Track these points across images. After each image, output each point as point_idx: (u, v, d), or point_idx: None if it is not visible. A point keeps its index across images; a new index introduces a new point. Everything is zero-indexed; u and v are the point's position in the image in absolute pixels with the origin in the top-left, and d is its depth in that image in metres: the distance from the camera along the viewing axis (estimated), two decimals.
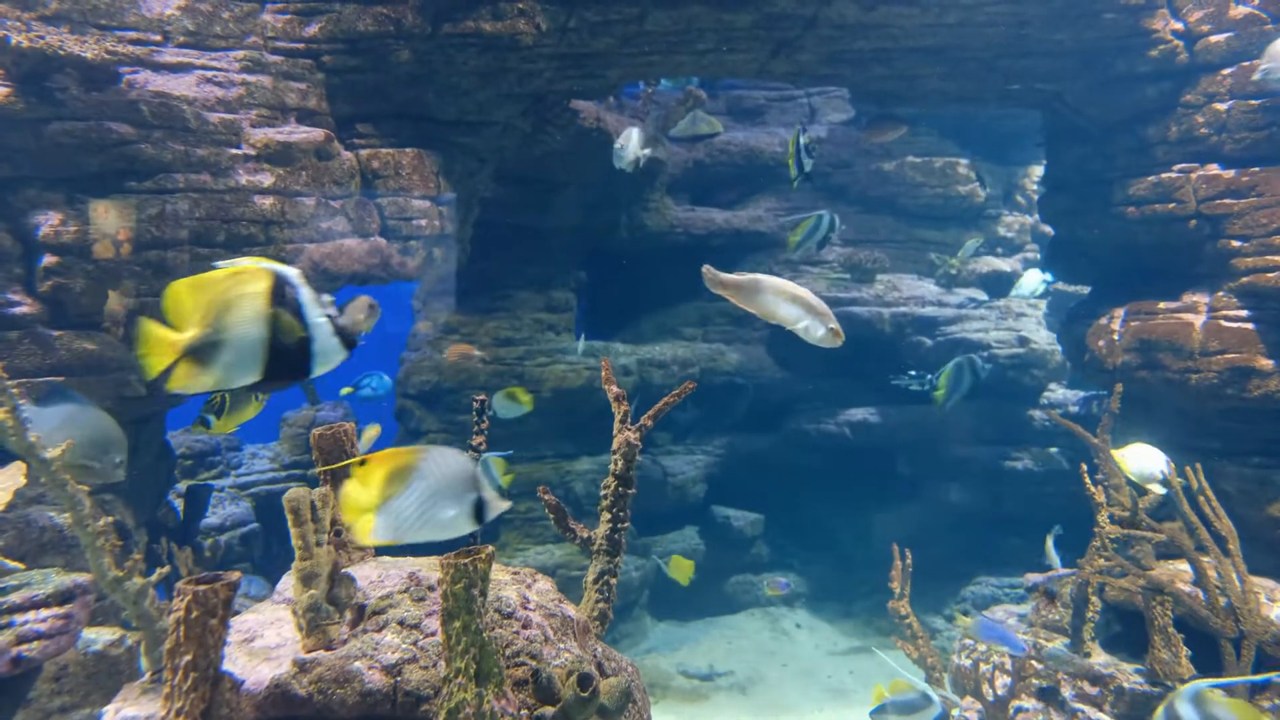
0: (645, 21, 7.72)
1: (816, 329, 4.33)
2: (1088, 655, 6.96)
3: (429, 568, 3.92)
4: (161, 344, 2.64)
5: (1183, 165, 7.93)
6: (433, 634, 3.43)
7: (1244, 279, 7.46)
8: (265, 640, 3.57)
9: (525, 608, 3.72)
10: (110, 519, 4.70)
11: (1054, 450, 11.65)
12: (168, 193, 6.57)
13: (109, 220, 6.41)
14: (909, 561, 7.51)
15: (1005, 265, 13.38)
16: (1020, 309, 12.89)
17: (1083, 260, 9.73)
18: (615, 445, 4.45)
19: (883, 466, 12.66)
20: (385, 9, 7.36)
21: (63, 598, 5.43)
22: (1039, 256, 13.55)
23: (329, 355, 2.75)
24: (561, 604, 4.00)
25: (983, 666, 7.19)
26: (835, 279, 13.09)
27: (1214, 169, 7.74)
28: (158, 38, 6.97)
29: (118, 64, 6.49)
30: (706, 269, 4.33)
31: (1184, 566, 6.76)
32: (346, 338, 2.77)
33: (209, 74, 7.05)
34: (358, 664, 3.29)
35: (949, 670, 7.82)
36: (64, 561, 6.10)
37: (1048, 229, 11.38)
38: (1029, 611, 7.93)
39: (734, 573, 12.62)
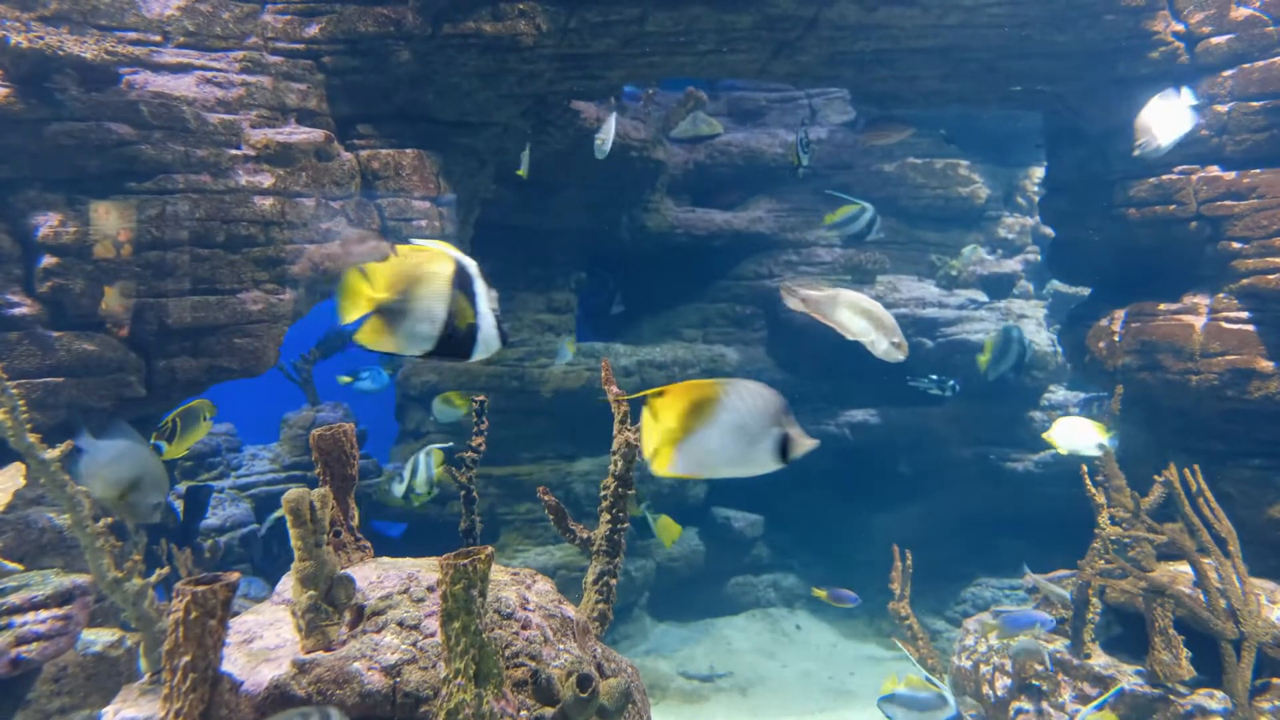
0: (646, 22, 7.71)
1: (881, 343, 4.40)
2: (1088, 657, 6.95)
3: (428, 568, 3.91)
4: (360, 295, 2.83)
5: (1183, 167, 7.92)
6: (432, 635, 3.43)
7: (1245, 280, 7.46)
8: (264, 641, 3.56)
9: (525, 608, 3.72)
10: (109, 520, 4.70)
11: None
12: (168, 193, 6.57)
13: (109, 221, 6.41)
14: (909, 563, 7.51)
15: (1005, 267, 13.38)
16: (1021, 310, 12.89)
17: (1083, 262, 9.72)
18: (615, 446, 4.45)
19: (883, 468, 12.65)
20: (386, 10, 7.36)
21: (62, 599, 5.43)
22: (1039, 258, 13.55)
23: (489, 344, 2.94)
24: (561, 605, 4.00)
25: (983, 668, 7.19)
26: (835, 280, 13.09)
27: (1215, 170, 7.73)
28: (157, 38, 6.97)
29: (117, 64, 6.49)
30: (784, 285, 4.44)
31: (1184, 568, 6.75)
32: (503, 333, 2.98)
33: (209, 74, 7.05)
34: (357, 665, 3.29)
35: (949, 672, 7.82)
36: (63, 563, 6.09)
37: (1048, 230, 11.37)
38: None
39: (734, 574, 12.62)
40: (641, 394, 3.02)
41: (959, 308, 12.65)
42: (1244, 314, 7.49)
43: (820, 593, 6.81)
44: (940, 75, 8.78)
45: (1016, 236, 13.77)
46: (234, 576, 2.98)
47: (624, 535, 4.53)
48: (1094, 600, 7.06)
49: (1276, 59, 7.38)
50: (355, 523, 4.37)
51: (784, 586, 12.76)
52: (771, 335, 13.43)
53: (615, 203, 12.43)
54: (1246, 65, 7.54)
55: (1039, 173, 13.41)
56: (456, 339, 2.91)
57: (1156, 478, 6.87)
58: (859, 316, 4.28)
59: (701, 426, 3.00)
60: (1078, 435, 7.08)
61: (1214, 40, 7.67)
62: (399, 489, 8.04)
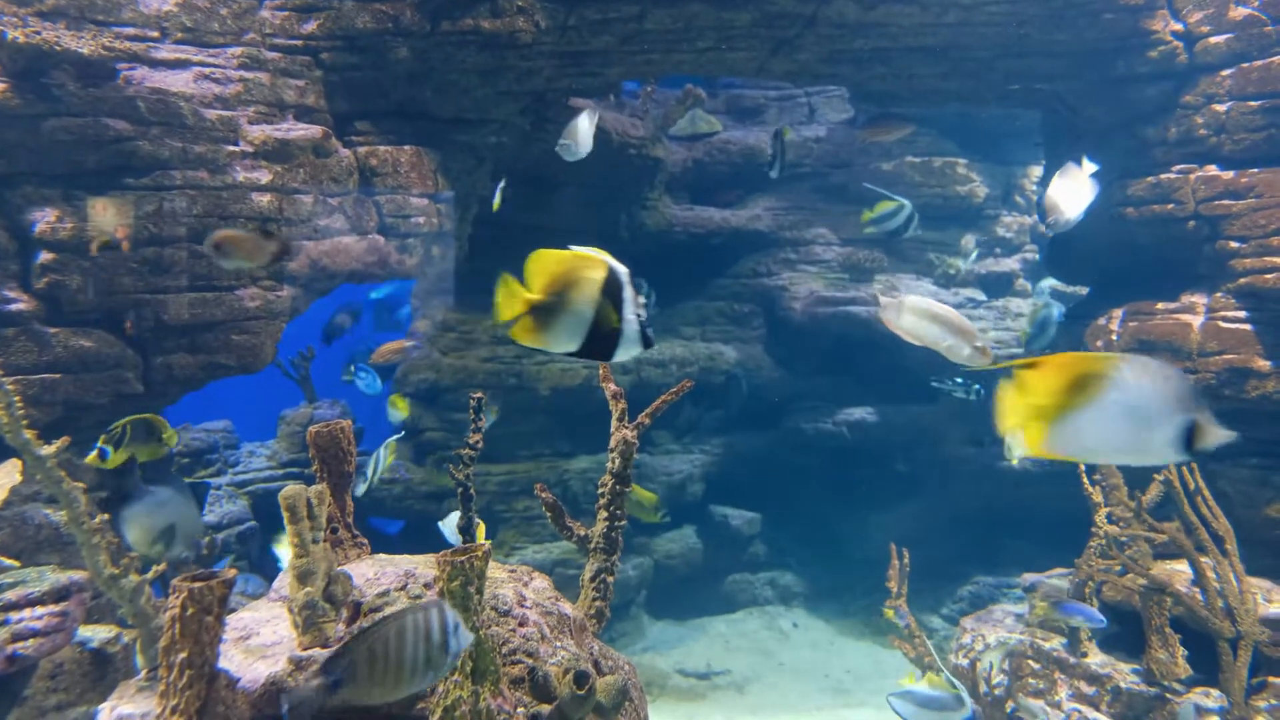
0: (645, 20, 7.71)
1: (961, 349, 4.21)
2: (1085, 655, 6.96)
3: (425, 565, 3.91)
4: (516, 297, 3.05)
5: (1182, 166, 7.93)
6: None
7: (1242, 280, 7.46)
8: (261, 638, 3.56)
9: (522, 605, 3.72)
10: (106, 516, 4.69)
11: None
12: (165, 189, 6.56)
13: (106, 217, 6.40)
14: (906, 561, 7.51)
15: (1004, 265, 13.38)
16: (1019, 309, 12.89)
17: (1081, 261, 9.73)
18: (612, 443, 4.44)
19: (880, 466, 12.65)
20: (384, 6, 7.35)
21: (58, 595, 5.42)
22: (1037, 257, 13.55)
23: (630, 347, 3.08)
24: (558, 602, 3.99)
25: (979, 666, 7.19)
26: (833, 278, 13.09)
27: (1213, 170, 7.73)
28: (155, 34, 6.96)
29: (115, 60, 6.48)
30: (889, 297, 4.34)
31: (1182, 567, 6.76)
32: (646, 337, 3.11)
33: (206, 70, 7.04)
34: None
35: (946, 669, 7.83)
36: (60, 559, 6.08)
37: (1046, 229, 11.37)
38: (1026, 611, 7.93)
39: (732, 572, 12.62)
40: (1009, 364, 2.80)
41: (957, 306, 12.64)
42: (1241, 313, 7.50)
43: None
44: (939, 74, 8.79)
45: (1015, 235, 13.77)
46: (231, 573, 2.97)
47: (621, 533, 4.52)
48: (1091, 599, 7.07)
49: (1275, 58, 7.39)
50: (352, 519, 4.37)
51: (781, 584, 12.76)
52: (770, 333, 13.42)
53: (614, 200, 12.42)
54: (1245, 65, 7.54)
55: (1037, 171, 13.42)
56: (601, 340, 3.06)
57: (1156, 476, 6.88)
58: (929, 323, 4.14)
59: (1084, 405, 2.69)
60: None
61: (1213, 39, 7.67)
62: (361, 489, 8.17)
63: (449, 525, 7.55)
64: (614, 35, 7.89)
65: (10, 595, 5.28)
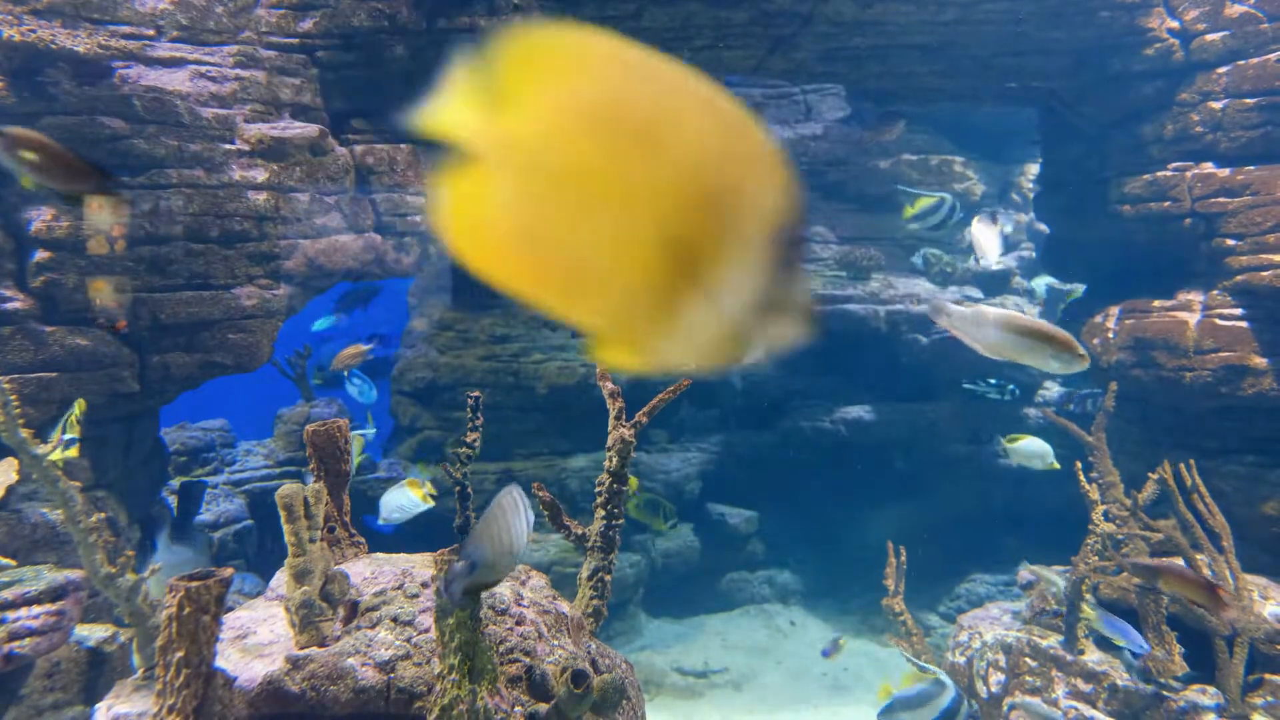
0: (642, 18, 7.70)
1: (1053, 361, 4.14)
2: (1081, 652, 6.97)
3: (422, 564, 3.91)
4: None
5: (1178, 164, 7.93)
6: (426, 631, 3.42)
7: (1238, 277, 7.47)
8: (258, 637, 3.56)
9: (519, 604, 3.72)
10: (102, 515, 4.68)
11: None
12: (161, 188, 6.55)
13: (102, 216, 6.39)
14: (904, 559, 7.52)
15: (1000, 263, 13.39)
16: (1016, 307, 12.90)
17: (1078, 258, 9.74)
18: (610, 442, 4.44)
19: (878, 464, 12.66)
20: (380, 4, 7.34)
21: (55, 594, 5.41)
22: (1034, 255, 13.57)
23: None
24: (555, 600, 3.99)
25: (977, 664, 7.20)
26: (831, 277, 13.09)
27: (1209, 167, 7.74)
28: (151, 32, 6.94)
29: (110, 58, 6.47)
30: (934, 300, 4.27)
31: (1178, 564, 6.77)
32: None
33: (202, 69, 7.02)
34: (351, 660, 3.28)
35: (943, 667, 7.83)
36: (56, 558, 6.08)
37: (1043, 227, 11.38)
38: (1023, 608, 7.94)
39: (729, 570, 12.62)
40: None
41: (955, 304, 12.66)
42: (1238, 311, 7.51)
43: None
44: (936, 72, 8.79)
45: (1011, 233, 13.78)
46: (228, 573, 2.97)
47: (619, 531, 4.53)
48: (1087, 596, 7.07)
49: (1271, 56, 7.39)
50: (349, 518, 4.37)
51: (779, 583, 12.76)
52: None
53: None
54: (1241, 62, 7.55)
55: (1034, 169, 13.42)
56: None
57: (1151, 475, 6.89)
58: (1015, 335, 4.07)
59: None
60: (1032, 455, 7.27)
61: (1209, 37, 7.68)
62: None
63: (390, 500, 7.48)
64: (611, 33, 7.88)
65: (7, 594, 5.27)
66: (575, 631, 3.96)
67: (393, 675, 3.26)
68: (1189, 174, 7.83)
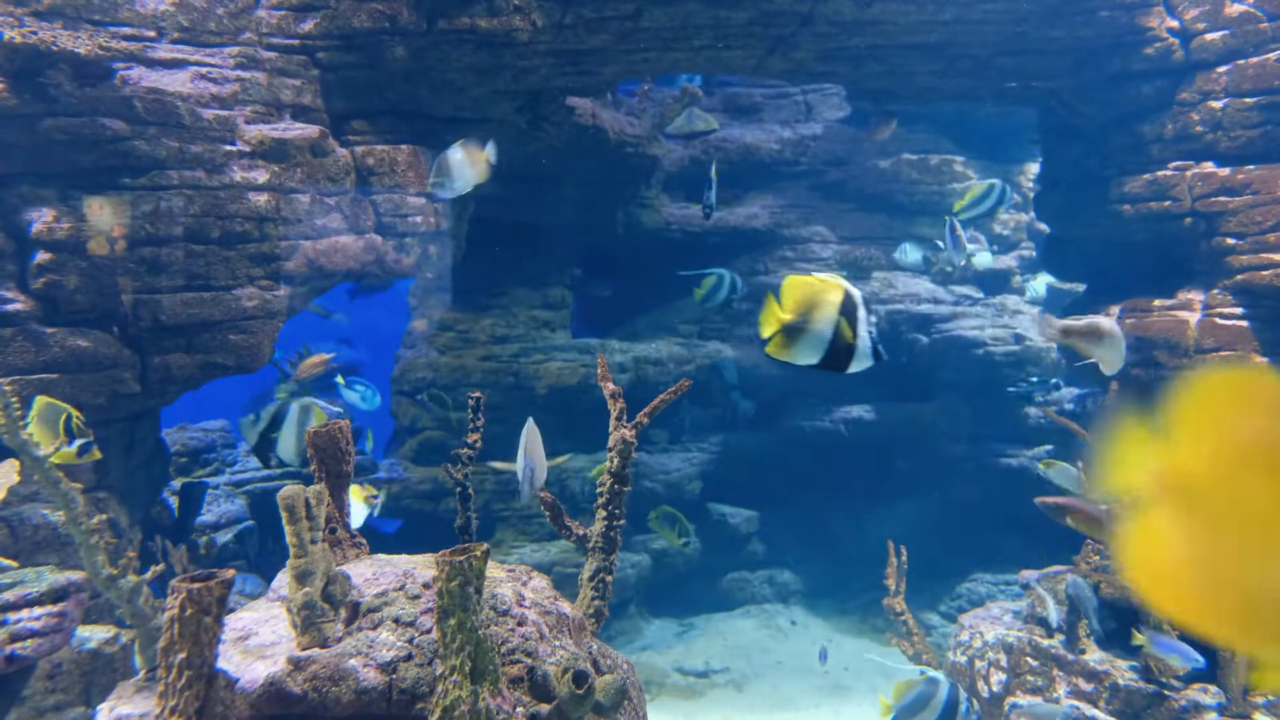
0: (641, 18, 7.70)
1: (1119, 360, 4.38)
2: (1083, 652, 6.98)
3: (424, 565, 3.91)
4: (773, 317, 3.48)
5: (1178, 163, 7.93)
6: (428, 631, 3.43)
7: (1239, 276, 7.47)
8: (260, 638, 3.56)
9: (521, 605, 3.72)
10: (104, 517, 4.69)
11: (1049, 447, 11.67)
12: (162, 189, 6.55)
13: (103, 217, 6.39)
14: (904, 559, 7.52)
15: (1000, 262, 13.39)
16: (1016, 306, 12.90)
17: (1078, 258, 9.74)
18: (611, 443, 4.45)
19: (878, 464, 12.66)
20: (380, 5, 7.34)
21: (56, 595, 5.42)
22: (1034, 254, 13.57)
23: (863, 360, 3.46)
24: (557, 601, 4.00)
25: (978, 664, 7.21)
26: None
27: (1209, 167, 7.74)
28: (151, 34, 6.95)
29: (111, 60, 6.47)
30: (1047, 317, 4.53)
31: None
32: (878, 352, 3.47)
33: (203, 70, 7.03)
34: (353, 662, 3.29)
35: (944, 667, 7.84)
36: (58, 559, 6.08)
37: (1043, 226, 11.39)
38: (1024, 608, 7.94)
39: (730, 570, 12.62)
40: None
41: (954, 304, 12.67)
42: (1238, 310, 7.51)
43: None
44: (935, 71, 8.79)
45: (1011, 232, 13.79)
46: (229, 573, 2.97)
47: (620, 532, 4.53)
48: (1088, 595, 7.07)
49: (1270, 55, 7.40)
50: (350, 519, 4.37)
51: (779, 582, 12.76)
52: None
53: (610, 199, 12.42)
54: (1241, 61, 7.55)
55: (1034, 169, 13.42)
56: (838, 354, 3.46)
57: None
58: (1097, 340, 4.31)
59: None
60: (1070, 479, 7.37)
61: (1208, 36, 7.68)
62: (251, 435, 6.11)
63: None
64: (610, 34, 7.89)
65: (8, 595, 5.27)
66: (577, 632, 3.96)
67: (395, 676, 3.27)
68: (1189, 173, 7.83)
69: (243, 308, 6.88)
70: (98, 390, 6.37)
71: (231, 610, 3.58)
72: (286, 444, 5.61)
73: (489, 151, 6.59)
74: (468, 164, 6.52)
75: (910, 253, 12.65)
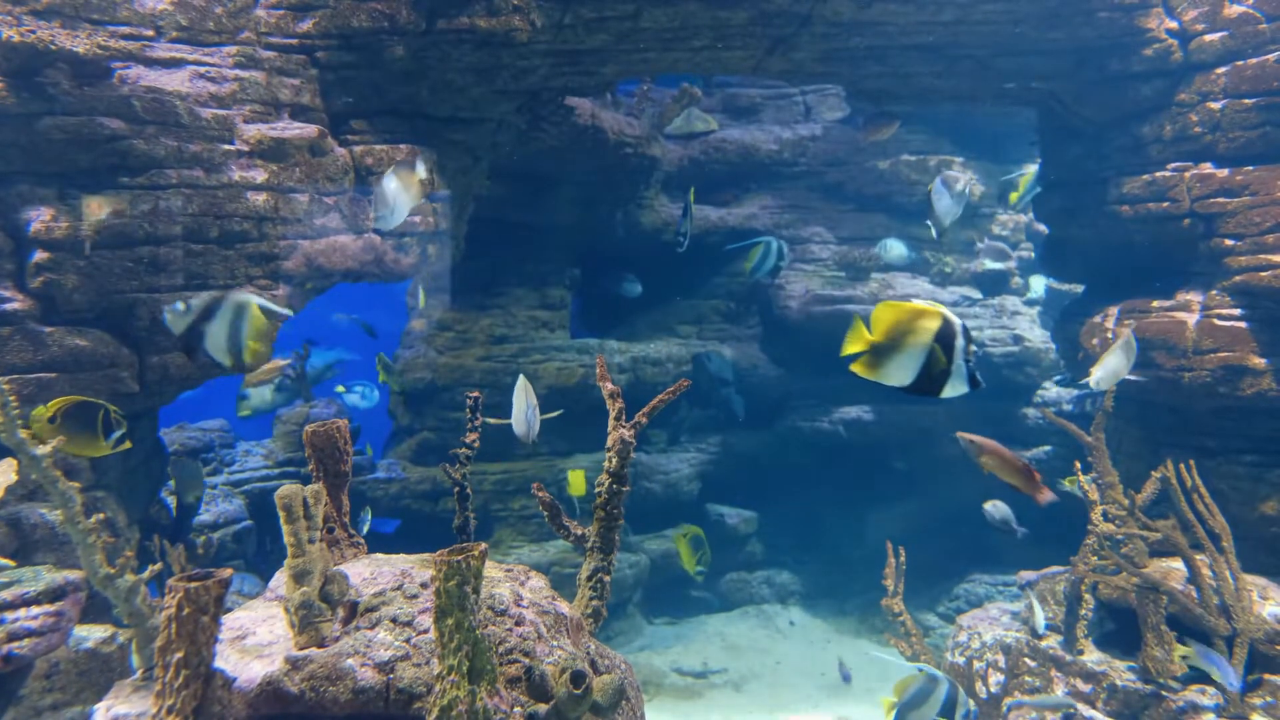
0: (641, 18, 7.70)
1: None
2: (1081, 653, 6.98)
3: (421, 565, 3.91)
4: (861, 336, 3.60)
5: (1177, 164, 7.93)
6: (425, 631, 3.42)
7: (1237, 278, 7.48)
8: (257, 637, 3.56)
9: (518, 605, 3.72)
10: (101, 516, 4.68)
11: (1048, 448, 11.67)
12: (160, 188, 6.54)
13: (101, 216, 6.38)
14: (902, 559, 7.52)
15: (999, 264, 13.39)
16: (1015, 307, 12.91)
17: (1077, 259, 9.74)
18: (610, 443, 4.44)
19: (877, 464, 12.66)
20: (379, 5, 7.33)
21: (54, 595, 5.41)
22: (1033, 255, 13.57)
23: (956, 387, 3.57)
24: (555, 601, 3.99)
25: (976, 664, 7.21)
26: (830, 277, 13.09)
27: (1208, 168, 7.74)
28: (150, 33, 6.94)
29: (110, 59, 6.46)
30: (1125, 326, 4.70)
31: (1177, 564, 6.78)
32: (974, 379, 3.57)
33: (202, 69, 7.02)
34: (350, 661, 3.29)
35: (942, 668, 7.83)
36: (55, 559, 6.07)
37: (1042, 227, 11.39)
38: (1022, 609, 7.95)
39: (728, 571, 12.63)
40: None
41: (953, 304, 12.67)
42: (1236, 311, 7.51)
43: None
44: (934, 72, 8.79)
45: (1010, 234, 13.79)
46: (227, 573, 2.97)
47: (619, 532, 4.53)
48: (1087, 597, 7.08)
49: (1269, 56, 7.40)
50: (348, 519, 4.37)
51: (778, 583, 12.77)
52: (766, 332, 13.43)
53: (610, 199, 12.42)
54: (1239, 62, 7.55)
55: (1033, 169, 13.42)
56: (929, 380, 3.58)
57: (1154, 474, 6.89)
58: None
59: None
60: None
61: (1207, 37, 7.68)
62: (178, 324, 5.38)
63: None
64: (610, 34, 7.89)
65: (6, 595, 5.27)
66: (575, 632, 3.96)
67: (392, 676, 3.26)
68: (1188, 174, 7.84)
69: None
70: (96, 390, 6.35)
71: (229, 610, 3.57)
72: (216, 339, 5.14)
73: (421, 170, 6.39)
74: (402, 191, 6.30)
75: (892, 248, 12.68)
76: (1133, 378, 5.79)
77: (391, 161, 7.83)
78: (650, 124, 12.34)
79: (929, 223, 7.04)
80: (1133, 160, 8.34)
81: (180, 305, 5.18)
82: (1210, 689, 6.24)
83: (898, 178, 13.30)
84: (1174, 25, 7.83)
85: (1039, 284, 13.05)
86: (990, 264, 12.72)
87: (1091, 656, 6.94)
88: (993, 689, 6.79)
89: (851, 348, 3.65)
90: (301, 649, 3.37)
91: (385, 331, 13.88)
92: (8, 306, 6.12)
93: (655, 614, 12.12)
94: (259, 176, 6.95)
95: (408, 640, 3.40)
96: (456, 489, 4.94)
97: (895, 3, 7.65)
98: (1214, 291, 7.72)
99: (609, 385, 4.55)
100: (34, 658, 5.27)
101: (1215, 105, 7.66)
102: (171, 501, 8.33)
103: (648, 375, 12.08)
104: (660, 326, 13.33)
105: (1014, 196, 9.87)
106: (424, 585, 3.67)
